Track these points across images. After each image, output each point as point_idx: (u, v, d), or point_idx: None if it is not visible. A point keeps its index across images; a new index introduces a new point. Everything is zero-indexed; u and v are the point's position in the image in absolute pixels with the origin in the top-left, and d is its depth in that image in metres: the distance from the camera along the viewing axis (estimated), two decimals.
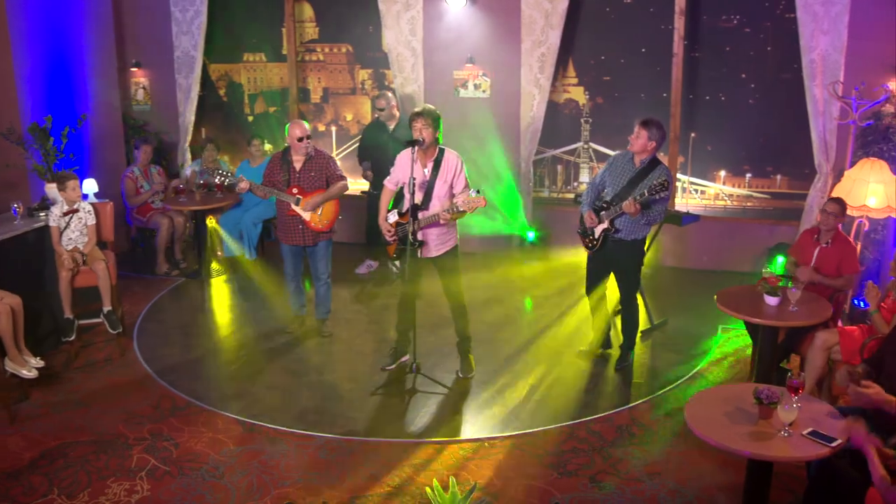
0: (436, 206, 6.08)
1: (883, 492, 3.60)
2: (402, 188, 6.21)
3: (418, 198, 6.04)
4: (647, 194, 5.99)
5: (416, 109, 6.05)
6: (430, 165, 6.10)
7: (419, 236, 6.08)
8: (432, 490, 2.49)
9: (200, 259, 8.85)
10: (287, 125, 6.93)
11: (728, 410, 4.18)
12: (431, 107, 6.10)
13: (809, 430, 3.94)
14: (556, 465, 5.24)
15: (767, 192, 8.98)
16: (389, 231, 6.26)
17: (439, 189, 6.09)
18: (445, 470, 5.17)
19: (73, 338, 6.82)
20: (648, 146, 6.19)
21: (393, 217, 6.29)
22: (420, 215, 6.02)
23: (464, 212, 5.97)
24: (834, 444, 3.83)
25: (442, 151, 6.11)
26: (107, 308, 6.92)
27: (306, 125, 6.92)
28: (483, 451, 5.42)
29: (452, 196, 6.10)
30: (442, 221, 5.96)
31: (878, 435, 3.85)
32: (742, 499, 4.25)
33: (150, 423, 5.82)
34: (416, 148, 6.00)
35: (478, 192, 5.89)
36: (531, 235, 9.24)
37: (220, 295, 8.62)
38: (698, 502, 4.83)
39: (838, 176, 8.04)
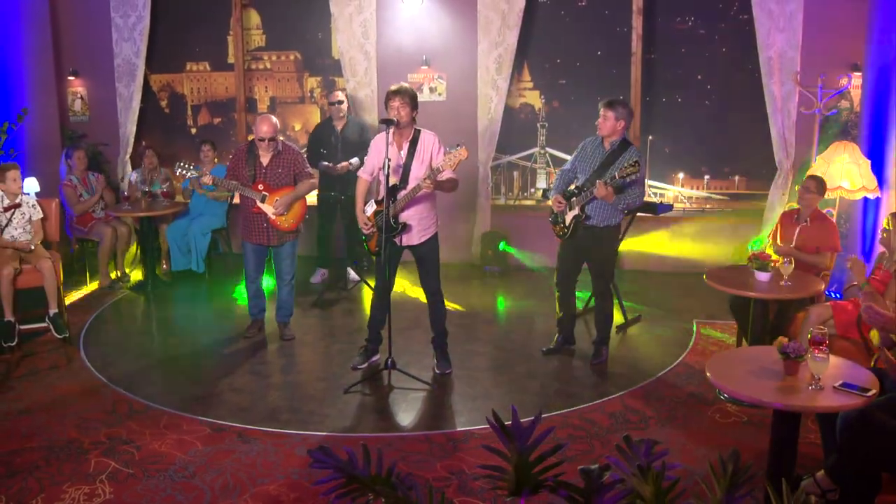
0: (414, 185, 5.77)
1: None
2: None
3: (394, 180, 5.74)
4: (617, 177, 5.78)
5: (393, 88, 5.70)
6: (406, 146, 5.78)
7: (400, 219, 5.78)
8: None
9: (147, 269, 8.35)
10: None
11: (751, 369, 3.94)
12: (407, 85, 5.81)
13: (840, 381, 3.73)
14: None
15: (726, 193, 8.93)
16: (367, 224, 5.93)
17: (416, 170, 5.74)
18: (437, 461, 4.83)
19: (14, 343, 6.29)
20: (617, 126, 5.99)
21: (371, 208, 5.95)
22: (399, 195, 5.71)
23: (445, 180, 5.63)
24: (869, 394, 3.63)
25: (418, 132, 5.81)
26: (53, 311, 6.41)
27: (274, 119, 6.54)
28: (475, 442, 5.08)
29: None
30: (425, 189, 5.57)
31: None
32: (768, 462, 3.99)
33: (107, 427, 5.31)
34: (392, 129, 5.69)
35: (458, 145, 5.56)
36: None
37: (171, 305, 8.15)
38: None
39: (798, 172, 8.03)
